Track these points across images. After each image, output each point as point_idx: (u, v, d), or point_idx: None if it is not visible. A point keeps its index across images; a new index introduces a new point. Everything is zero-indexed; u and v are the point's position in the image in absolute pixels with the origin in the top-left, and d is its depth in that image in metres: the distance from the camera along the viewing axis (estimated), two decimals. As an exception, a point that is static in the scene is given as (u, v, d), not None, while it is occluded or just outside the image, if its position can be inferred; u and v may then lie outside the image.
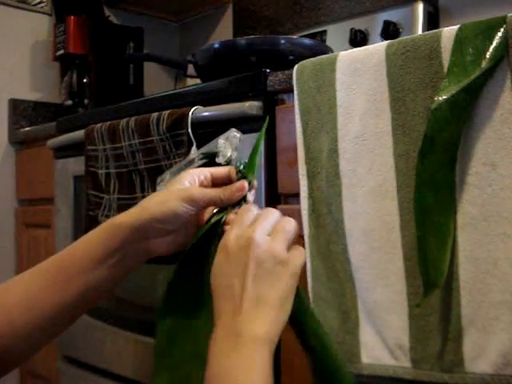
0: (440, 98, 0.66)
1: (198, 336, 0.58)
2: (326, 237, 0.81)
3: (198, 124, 0.97)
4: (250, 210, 0.58)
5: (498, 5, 1.28)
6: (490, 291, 0.67)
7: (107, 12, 1.90)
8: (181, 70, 1.43)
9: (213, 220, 0.61)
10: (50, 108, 1.85)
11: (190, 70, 1.34)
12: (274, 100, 0.95)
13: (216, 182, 0.65)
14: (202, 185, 0.63)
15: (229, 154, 0.87)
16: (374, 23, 1.42)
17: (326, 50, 1.24)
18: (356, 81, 0.77)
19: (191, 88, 1.10)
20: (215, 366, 0.51)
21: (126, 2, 1.96)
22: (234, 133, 0.91)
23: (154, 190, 1.02)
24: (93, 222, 1.17)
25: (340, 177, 0.79)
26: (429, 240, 0.68)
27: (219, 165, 0.89)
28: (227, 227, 0.59)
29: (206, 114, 0.98)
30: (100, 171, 1.15)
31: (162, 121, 1.00)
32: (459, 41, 0.67)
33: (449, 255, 0.68)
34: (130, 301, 1.23)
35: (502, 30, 0.64)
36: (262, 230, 0.55)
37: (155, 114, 1.02)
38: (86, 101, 1.72)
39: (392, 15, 1.38)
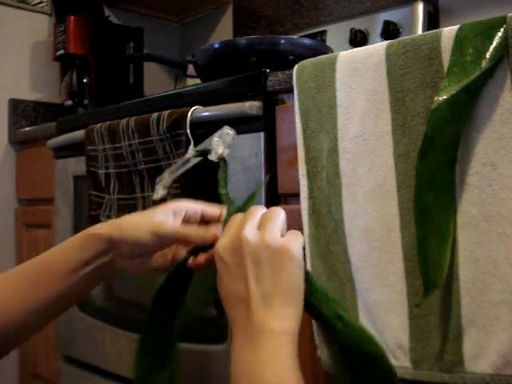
0: (440, 98, 0.66)
1: (172, 374, 0.59)
2: (326, 237, 0.81)
3: (198, 124, 0.97)
4: (236, 216, 0.58)
5: (498, 5, 1.28)
6: (489, 291, 0.67)
7: (107, 12, 1.90)
8: (181, 70, 1.43)
9: (179, 262, 0.61)
10: (49, 108, 1.84)
11: (190, 70, 1.34)
12: (274, 100, 0.95)
13: (205, 220, 0.64)
14: (188, 220, 0.62)
15: (220, 151, 0.88)
16: (374, 23, 1.42)
17: (326, 50, 1.24)
18: (356, 81, 0.77)
19: (191, 88, 1.10)
20: (240, 365, 0.50)
21: (126, 2, 1.96)
22: (227, 130, 0.91)
23: (153, 189, 1.02)
24: (95, 222, 1.16)
25: (340, 177, 0.79)
26: (429, 240, 0.68)
27: (212, 162, 0.89)
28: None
29: (206, 114, 0.98)
30: (100, 171, 1.15)
31: (162, 121, 1.00)
32: (459, 41, 0.67)
33: (449, 255, 0.68)
34: (129, 301, 1.23)
35: (501, 30, 0.64)
36: (250, 227, 0.54)
37: (155, 114, 1.02)
38: (85, 101, 1.72)
39: (392, 15, 1.38)
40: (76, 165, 1.33)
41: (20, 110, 1.78)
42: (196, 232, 0.60)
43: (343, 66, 0.79)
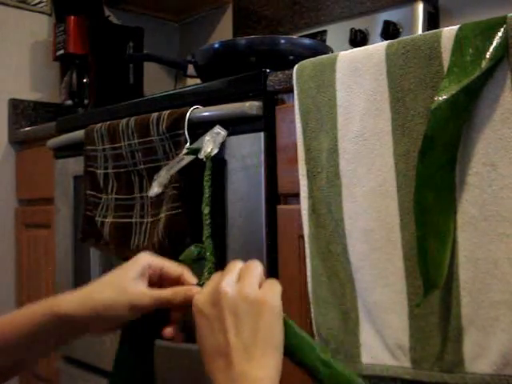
0: (440, 98, 0.66)
1: None
2: (326, 237, 0.81)
3: (198, 124, 0.97)
4: (216, 275, 0.58)
5: (498, 5, 1.28)
6: (489, 291, 0.67)
7: (107, 12, 1.90)
8: (181, 70, 1.43)
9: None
10: (49, 108, 1.84)
11: (190, 70, 1.34)
12: (274, 100, 0.95)
13: (164, 278, 0.63)
14: (151, 279, 0.62)
15: (209, 150, 0.88)
16: (374, 23, 1.42)
17: (326, 50, 1.24)
18: (356, 81, 0.77)
19: (191, 88, 1.10)
20: None
21: (126, 2, 1.96)
22: (218, 130, 0.91)
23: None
24: (90, 223, 1.17)
25: (340, 177, 0.79)
26: (429, 240, 0.68)
27: (201, 160, 0.89)
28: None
29: (206, 113, 0.98)
30: (99, 171, 1.15)
31: (162, 121, 1.00)
32: (459, 41, 0.67)
33: (449, 255, 0.68)
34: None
35: (502, 30, 0.64)
36: (227, 280, 0.55)
37: (155, 114, 1.02)
38: (85, 101, 1.72)
39: (392, 15, 1.38)
40: (76, 165, 1.33)
41: (20, 109, 1.78)
42: (177, 295, 0.60)
43: (343, 65, 0.79)
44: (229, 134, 0.96)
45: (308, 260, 0.83)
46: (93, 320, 0.57)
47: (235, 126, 0.96)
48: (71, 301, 0.58)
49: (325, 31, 1.53)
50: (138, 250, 1.06)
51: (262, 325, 0.52)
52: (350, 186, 0.78)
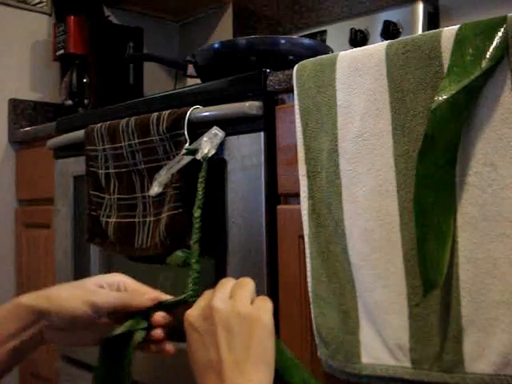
0: (440, 98, 0.66)
1: None
2: (326, 237, 0.81)
3: (198, 124, 0.97)
4: (208, 292, 0.59)
5: (498, 5, 1.28)
6: (489, 291, 0.67)
7: (107, 12, 1.90)
8: (181, 70, 1.43)
9: (119, 330, 0.60)
10: (49, 108, 1.84)
11: (190, 70, 1.34)
12: (274, 100, 0.95)
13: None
14: (110, 288, 0.62)
15: (206, 151, 0.88)
16: (374, 23, 1.42)
17: (326, 50, 1.24)
18: (356, 81, 0.77)
19: (191, 88, 1.10)
20: None
21: (126, 2, 1.96)
22: (215, 131, 0.91)
23: (153, 189, 1.02)
24: (95, 223, 1.17)
25: (340, 177, 0.79)
26: (428, 240, 0.68)
27: (198, 162, 0.89)
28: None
29: (206, 113, 0.98)
30: (100, 171, 1.15)
31: (162, 121, 1.00)
32: (459, 41, 0.67)
33: (448, 255, 0.68)
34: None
35: (502, 30, 0.64)
36: (220, 296, 0.55)
37: (155, 114, 1.02)
38: (85, 101, 1.72)
39: (392, 15, 1.38)
40: (76, 165, 1.33)
41: (20, 109, 1.78)
42: (136, 296, 0.60)
43: (343, 65, 0.79)
44: (229, 134, 0.96)
45: (308, 260, 0.83)
46: (49, 311, 0.59)
47: (235, 126, 0.96)
48: (34, 295, 0.61)
49: (325, 31, 1.53)
50: (142, 250, 1.06)
51: (254, 341, 0.53)
52: (350, 186, 0.78)
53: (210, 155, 0.90)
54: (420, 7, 1.35)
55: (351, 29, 1.43)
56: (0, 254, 1.71)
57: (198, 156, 0.90)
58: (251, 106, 0.93)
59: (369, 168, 0.76)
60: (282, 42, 1.18)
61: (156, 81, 2.01)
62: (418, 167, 0.68)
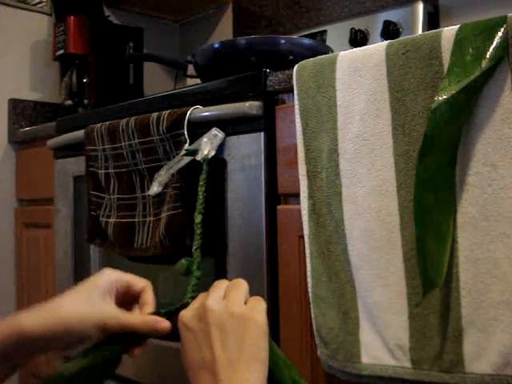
0: (440, 98, 0.66)
1: None
2: (326, 237, 0.81)
3: (198, 124, 0.97)
4: (202, 294, 0.59)
5: (498, 5, 1.28)
6: (489, 291, 0.67)
7: (107, 12, 1.90)
8: (181, 69, 1.43)
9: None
10: (49, 108, 1.84)
11: (190, 70, 1.34)
12: (274, 100, 0.95)
13: (130, 291, 0.63)
14: (117, 294, 0.61)
15: (206, 152, 0.88)
16: (374, 23, 1.42)
17: (326, 50, 1.24)
18: (356, 81, 0.77)
19: (191, 88, 1.10)
20: None
21: (126, 2, 1.96)
22: (215, 132, 0.91)
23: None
24: (95, 223, 1.17)
25: (340, 177, 0.79)
26: (428, 240, 0.68)
27: (197, 162, 0.89)
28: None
29: (206, 113, 0.98)
30: (100, 171, 1.15)
31: (162, 121, 1.00)
32: (459, 41, 0.67)
33: (448, 255, 0.68)
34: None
35: (502, 30, 0.64)
36: (214, 296, 0.56)
37: (155, 114, 1.02)
38: (85, 101, 1.72)
39: (392, 15, 1.38)
40: (76, 165, 1.33)
41: (20, 109, 1.78)
42: (145, 325, 0.59)
43: (343, 65, 0.79)
44: (229, 134, 0.96)
45: (308, 260, 0.83)
46: (58, 336, 0.56)
47: (235, 126, 0.96)
48: (34, 316, 0.56)
49: (325, 31, 1.53)
50: (142, 249, 1.06)
51: (247, 340, 0.53)
52: (350, 186, 0.78)
53: (209, 156, 0.90)
54: (420, 7, 1.35)
55: (351, 29, 1.42)
56: (0, 254, 1.70)
57: (198, 157, 0.90)
58: (251, 106, 0.93)
59: (369, 168, 0.76)
60: (282, 42, 1.18)
61: (156, 81, 2.01)
62: (418, 167, 0.68)
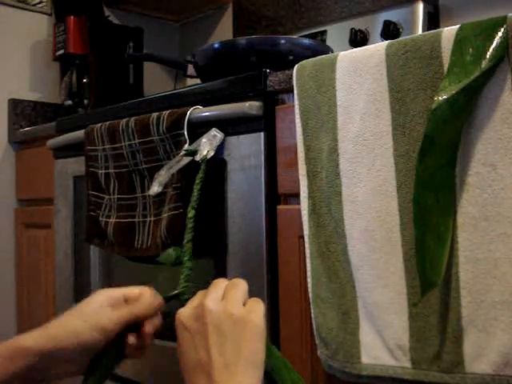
0: (440, 98, 0.66)
1: None
2: (326, 237, 0.81)
3: (198, 124, 0.97)
4: (200, 292, 0.58)
5: (498, 5, 1.28)
6: (489, 291, 0.67)
7: (107, 12, 1.90)
8: (181, 70, 1.43)
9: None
10: (49, 108, 1.84)
11: (190, 70, 1.34)
12: (274, 100, 0.95)
13: (129, 302, 0.62)
14: (113, 307, 0.60)
15: (204, 153, 0.88)
16: (374, 23, 1.42)
17: (326, 50, 1.24)
18: (356, 81, 0.77)
19: (191, 88, 1.10)
20: None
21: (126, 2, 1.96)
22: (214, 132, 0.91)
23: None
24: (94, 223, 1.17)
25: (340, 177, 0.79)
26: (428, 240, 0.68)
27: (198, 162, 0.89)
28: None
29: (206, 114, 0.98)
30: (100, 171, 1.15)
31: (162, 121, 1.00)
32: (459, 41, 0.67)
33: (447, 255, 0.68)
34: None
35: (502, 29, 0.64)
36: (212, 296, 0.55)
37: (155, 114, 1.02)
38: (85, 101, 1.72)
39: (392, 15, 1.38)
40: (76, 165, 1.33)
41: (20, 109, 1.78)
42: (136, 308, 0.59)
43: (343, 66, 0.79)
44: (229, 135, 0.96)
45: (308, 260, 0.83)
46: (56, 352, 0.56)
47: (235, 126, 0.96)
48: (31, 336, 0.56)
49: (325, 31, 1.53)
50: (142, 249, 1.06)
51: (244, 343, 0.53)
52: (350, 186, 0.78)
53: (208, 157, 0.90)
54: (420, 7, 1.35)
55: (351, 29, 1.43)
56: (0, 254, 1.70)
57: (197, 157, 0.90)
58: (251, 106, 0.93)
59: (369, 168, 0.76)
60: (282, 42, 1.18)
61: (156, 81, 2.01)
62: (418, 167, 0.68)
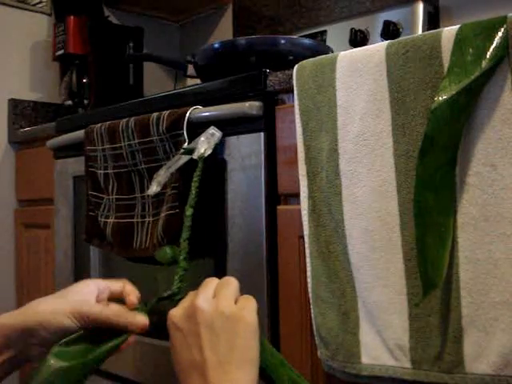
0: (440, 98, 0.66)
1: None
2: (326, 237, 0.81)
3: (198, 124, 0.97)
4: (192, 292, 0.58)
5: (498, 5, 1.28)
6: (490, 291, 0.67)
7: (107, 12, 1.90)
8: (181, 70, 1.43)
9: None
10: (49, 108, 1.84)
11: (190, 70, 1.34)
12: (274, 100, 0.95)
13: (113, 295, 0.64)
14: (99, 297, 0.62)
15: (202, 151, 0.88)
16: (374, 23, 1.42)
17: (326, 50, 1.24)
18: (356, 81, 0.77)
19: (191, 88, 1.10)
20: None
21: (126, 2, 1.96)
22: (212, 131, 0.91)
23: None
24: (94, 223, 1.17)
25: (340, 177, 0.79)
26: (428, 240, 0.68)
27: (195, 160, 0.89)
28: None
29: (206, 114, 0.98)
30: (99, 171, 1.15)
31: (162, 121, 1.00)
32: (459, 41, 0.67)
33: (448, 255, 0.68)
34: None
35: (502, 29, 0.64)
36: (203, 296, 0.55)
37: (155, 114, 1.02)
38: (85, 101, 1.72)
39: (392, 15, 1.38)
40: (76, 165, 1.33)
41: (20, 109, 1.78)
42: (116, 317, 0.60)
43: (343, 66, 0.79)
44: (229, 134, 0.96)
45: (308, 260, 0.83)
46: (35, 327, 0.57)
47: (235, 126, 0.96)
48: (10, 314, 0.58)
49: (325, 31, 1.53)
50: (140, 250, 1.06)
51: (238, 341, 0.53)
52: (350, 186, 0.78)
53: (206, 155, 0.90)
54: (420, 7, 1.35)
55: (351, 29, 1.42)
56: (0, 254, 1.70)
57: (195, 156, 0.90)
58: (251, 106, 0.93)
59: (369, 168, 0.76)
60: (282, 42, 1.18)
61: (156, 81, 2.01)
62: (418, 167, 0.68)
